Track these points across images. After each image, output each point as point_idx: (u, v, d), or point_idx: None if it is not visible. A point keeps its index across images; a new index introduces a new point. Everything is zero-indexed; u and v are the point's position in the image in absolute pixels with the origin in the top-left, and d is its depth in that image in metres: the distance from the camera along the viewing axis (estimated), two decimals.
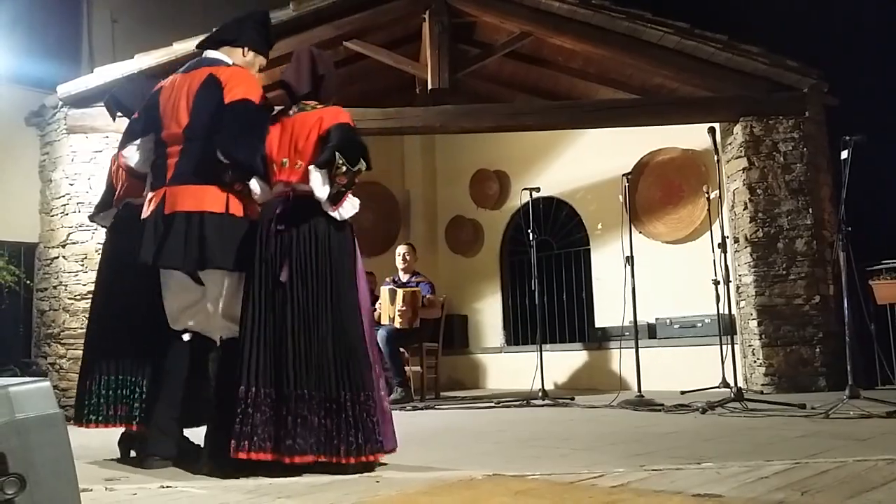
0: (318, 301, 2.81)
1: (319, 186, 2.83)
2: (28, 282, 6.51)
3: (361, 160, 2.85)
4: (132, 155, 3.26)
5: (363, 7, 6.55)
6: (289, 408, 2.68)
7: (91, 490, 2.40)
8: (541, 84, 7.97)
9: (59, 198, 6.46)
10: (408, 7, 6.68)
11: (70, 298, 6.21)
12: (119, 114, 3.68)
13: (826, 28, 6.72)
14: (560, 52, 7.16)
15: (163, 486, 2.51)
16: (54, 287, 6.36)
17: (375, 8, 6.59)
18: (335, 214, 2.88)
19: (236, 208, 3.01)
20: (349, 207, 2.91)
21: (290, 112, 3.03)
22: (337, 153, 2.79)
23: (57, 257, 6.39)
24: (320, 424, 2.69)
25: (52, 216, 6.51)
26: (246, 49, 3.30)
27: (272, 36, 3.49)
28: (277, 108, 3.15)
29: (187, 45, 6.05)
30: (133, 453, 3.29)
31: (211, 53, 3.27)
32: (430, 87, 6.50)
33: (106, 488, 2.50)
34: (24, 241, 6.65)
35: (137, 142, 3.24)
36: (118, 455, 3.33)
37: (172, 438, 3.07)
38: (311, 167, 2.85)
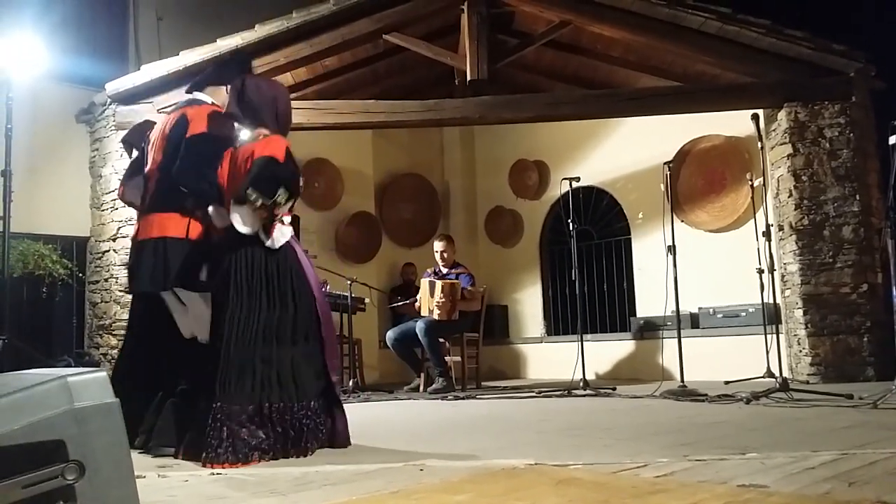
0: (253, 318, 2.97)
1: (239, 223, 3.00)
2: (80, 275, 6.70)
3: (281, 191, 2.93)
4: (127, 192, 3.63)
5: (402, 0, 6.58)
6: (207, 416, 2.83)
7: (144, 477, 2.47)
8: (580, 73, 7.92)
9: (109, 193, 6.62)
10: None
11: (121, 291, 6.37)
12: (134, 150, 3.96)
13: (872, 11, 6.55)
14: (599, 41, 7.11)
15: (213, 473, 2.58)
16: (105, 280, 6.53)
17: (414, 0, 6.61)
18: (268, 244, 3.03)
19: (196, 233, 3.32)
20: (279, 236, 3.06)
21: (240, 143, 3.20)
22: (249, 189, 2.91)
23: (107, 251, 6.57)
24: (236, 432, 2.81)
25: (103, 211, 6.68)
26: (228, 87, 3.51)
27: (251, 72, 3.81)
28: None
29: (231, 42, 6.15)
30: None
31: (197, 94, 3.59)
32: (468, 78, 6.51)
33: (158, 475, 2.57)
34: (76, 236, 6.84)
35: (133, 181, 3.60)
36: None
37: None
38: (231, 204, 3.02)
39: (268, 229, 3.00)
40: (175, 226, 3.31)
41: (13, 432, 1.38)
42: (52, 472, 1.41)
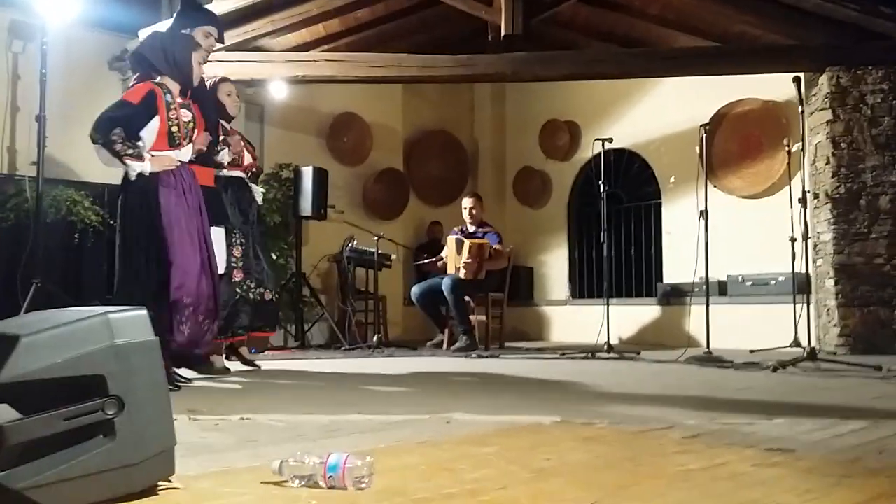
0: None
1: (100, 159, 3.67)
2: (112, 222, 6.74)
3: (118, 130, 3.57)
4: None
5: None
6: None
7: (175, 419, 2.50)
8: (616, 30, 7.76)
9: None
10: None
11: None
12: None
13: None
14: None
15: (243, 418, 2.62)
16: None
17: None
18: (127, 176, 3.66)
19: None
20: (130, 171, 3.62)
21: None
22: (91, 129, 3.62)
23: None
24: None
25: None
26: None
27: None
28: None
29: None
30: None
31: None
32: (503, 33, 6.41)
33: (189, 418, 2.61)
34: (107, 183, 6.87)
35: None
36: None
37: None
38: None
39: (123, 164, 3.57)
40: None
41: (55, 366, 1.40)
42: (92, 405, 1.43)
